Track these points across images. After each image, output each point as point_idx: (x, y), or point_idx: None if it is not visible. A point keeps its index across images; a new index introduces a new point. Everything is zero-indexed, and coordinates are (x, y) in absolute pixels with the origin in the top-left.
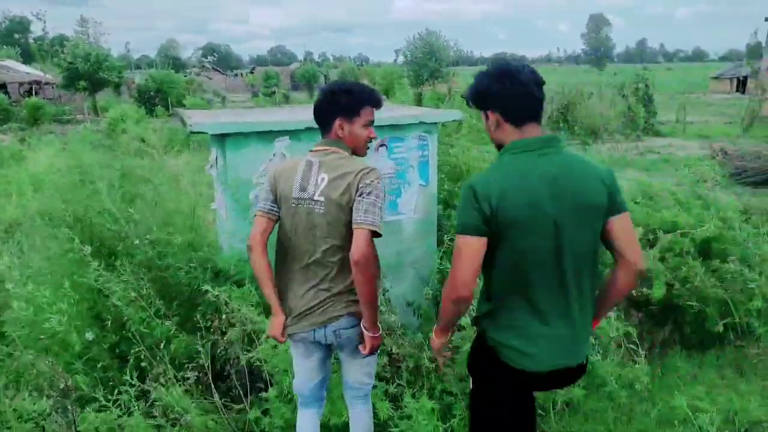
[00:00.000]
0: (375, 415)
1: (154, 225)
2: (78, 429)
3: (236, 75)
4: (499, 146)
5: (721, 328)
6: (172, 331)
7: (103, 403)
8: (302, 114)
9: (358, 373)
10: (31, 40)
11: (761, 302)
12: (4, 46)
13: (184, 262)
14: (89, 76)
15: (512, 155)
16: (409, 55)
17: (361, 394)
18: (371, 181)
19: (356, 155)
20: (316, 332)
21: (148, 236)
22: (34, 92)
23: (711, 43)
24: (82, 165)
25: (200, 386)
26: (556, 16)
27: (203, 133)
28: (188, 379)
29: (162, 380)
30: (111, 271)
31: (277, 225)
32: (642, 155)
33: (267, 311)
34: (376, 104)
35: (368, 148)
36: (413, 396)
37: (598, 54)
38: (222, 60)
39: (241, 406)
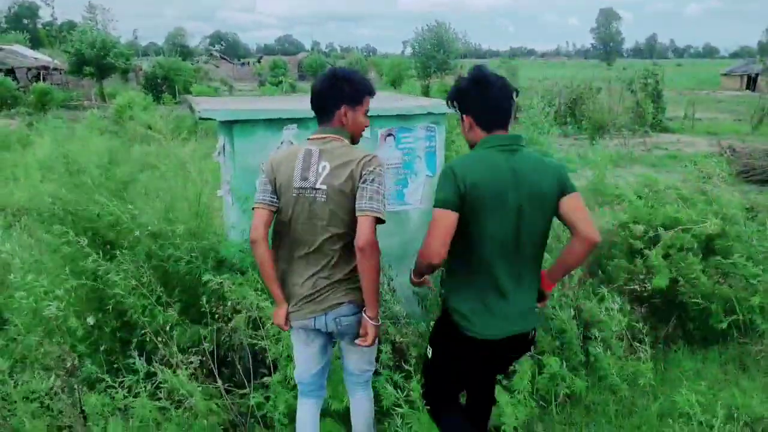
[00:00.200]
0: (378, 401)
1: (154, 216)
2: (83, 408)
3: (243, 64)
4: (472, 145)
5: (724, 325)
6: (175, 319)
7: (109, 383)
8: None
9: (360, 360)
10: (39, 26)
11: (760, 299)
12: (13, 31)
13: (185, 252)
14: (96, 62)
15: (484, 149)
16: (417, 46)
17: (361, 381)
18: (374, 168)
19: (352, 143)
20: (316, 320)
21: (149, 227)
22: (41, 78)
23: (722, 39)
24: (69, 154)
25: (204, 371)
26: (565, 9)
27: (211, 119)
28: (192, 363)
29: (169, 362)
30: (110, 260)
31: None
32: (649, 151)
33: (272, 298)
34: (372, 93)
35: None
36: (418, 383)
37: (607, 49)
38: (229, 48)
39: (244, 391)
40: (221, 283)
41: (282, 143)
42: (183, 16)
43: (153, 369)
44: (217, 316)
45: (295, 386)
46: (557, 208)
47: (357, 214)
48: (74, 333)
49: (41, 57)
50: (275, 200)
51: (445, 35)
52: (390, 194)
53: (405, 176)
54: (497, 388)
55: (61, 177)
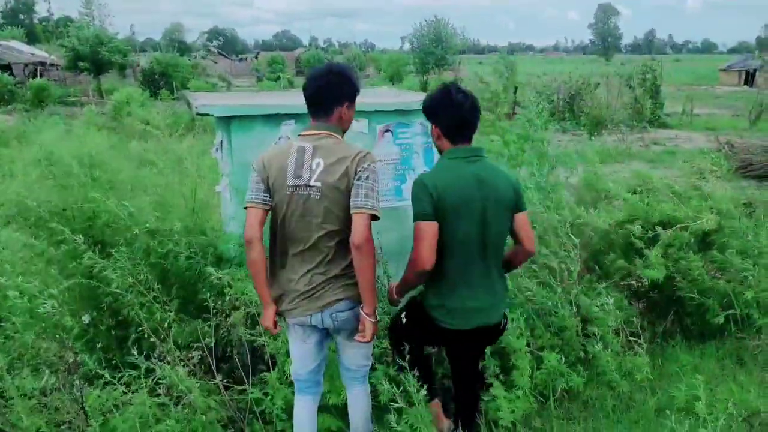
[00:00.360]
0: (375, 397)
1: (150, 212)
2: (84, 405)
3: (241, 59)
4: (440, 151)
5: (721, 320)
6: (172, 316)
7: (108, 379)
8: None
9: (356, 355)
10: (35, 21)
11: (753, 293)
12: (9, 27)
13: (185, 247)
14: (92, 57)
15: (449, 160)
16: (416, 42)
17: (358, 376)
18: (368, 165)
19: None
20: (312, 317)
21: (147, 224)
22: (38, 73)
23: (720, 35)
24: (54, 154)
25: (203, 367)
26: (564, 5)
27: (209, 115)
28: (192, 359)
29: (168, 359)
30: (107, 258)
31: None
32: (647, 147)
33: None
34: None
35: None
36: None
37: (605, 44)
38: (227, 44)
39: (243, 387)
40: (221, 278)
41: (280, 138)
42: (180, 12)
43: (152, 365)
44: (215, 311)
45: (293, 382)
46: (511, 219)
47: (352, 211)
48: (70, 331)
49: (38, 53)
50: (268, 199)
51: (444, 31)
52: (388, 190)
53: (403, 172)
54: (495, 383)
55: (51, 177)
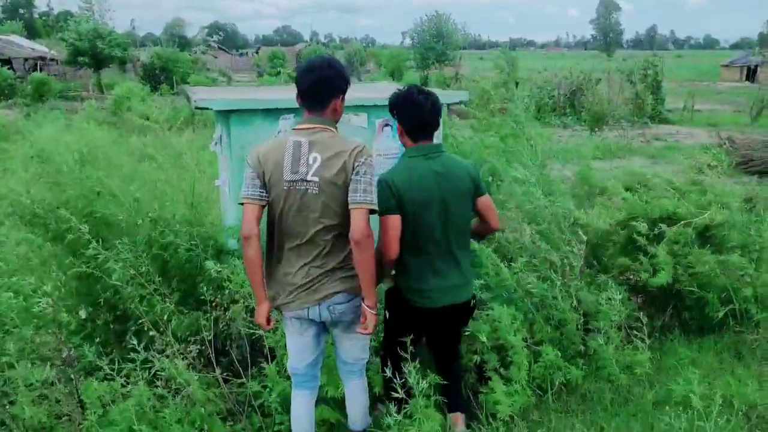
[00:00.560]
0: (371, 389)
1: (152, 204)
2: (81, 397)
3: (242, 54)
4: (406, 146)
5: (721, 314)
6: (171, 308)
7: (107, 371)
8: None
9: (353, 348)
10: (35, 16)
11: (752, 290)
12: (9, 21)
13: (185, 239)
14: (92, 52)
15: (409, 159)
16: (417, 37)
17: (356, 369)
18: (365, 159)
19: None
20: (310, 310)
21: (150, 214)
22: (38, 68)
23: (723, 30)
24: (45, 151)
25: (202, 360)
26: (565, 0)
27: (208, 109)
28: (191, 352)
29: (167, 351)
30: (110, 249)
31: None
32: (648, 143)
33: None
34: None
35: None
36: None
37: (607, 40)
38: (228, 39)
39: (241, 380)
40: (220, 271)
41: (279, 132)
42: (181, 6)
43: (150, 358)
44: (214, 303)
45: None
46: (474, 204)
47: (351, 206)
48: (67, 326)
49: (38, 47)
50: (264, 194)
51: (445, 26)
52: None
53: None
54: (494, 377)
55: (44, 175)
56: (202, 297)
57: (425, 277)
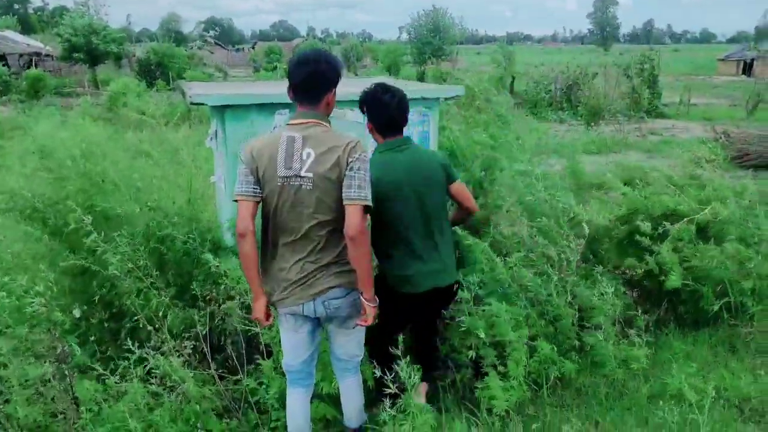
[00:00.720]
0: (364, 382)
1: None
2: (75, 394)
3: (238, 50)
4: (377, 142)
5: (716, 308)
6: (167, 302)
7: (101, 371)
8: None
9: (348, 344)
10: (30, 11)
11: (753, 282)
12: (3, 16)
13: (182, 232)
14: (87, 47)
15: (380, 154)
16: (413, 32)
17: (350, 366)
18: (359, 155)
19: None
20: (305, 306)
21: (149, 204)
22: (34, 64)
23: (719, 24)
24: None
25: (197, 356)
26: None
27: (203, 104)
28: (185, 348)
29: (163, 348)
30: (108, 243)
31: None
32: (644, 137)
33: None
34: None
35: None
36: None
37: (604, 34)
38: (224, 34)
39: (237, 376)
40: (217, 266)
41: (274, 128)
42: (177, 2)
43: (145, 355)
44: (209, 298)
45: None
46: (447, 190)
47: (345, 202)
48: (61, 325)
49: (33, 43)
50: (258, 191)
51: (442, 21)
52: None
53: None
54: (491, 373)
55: (45, 170)
56: (195, 292)
57: (407, 263)
